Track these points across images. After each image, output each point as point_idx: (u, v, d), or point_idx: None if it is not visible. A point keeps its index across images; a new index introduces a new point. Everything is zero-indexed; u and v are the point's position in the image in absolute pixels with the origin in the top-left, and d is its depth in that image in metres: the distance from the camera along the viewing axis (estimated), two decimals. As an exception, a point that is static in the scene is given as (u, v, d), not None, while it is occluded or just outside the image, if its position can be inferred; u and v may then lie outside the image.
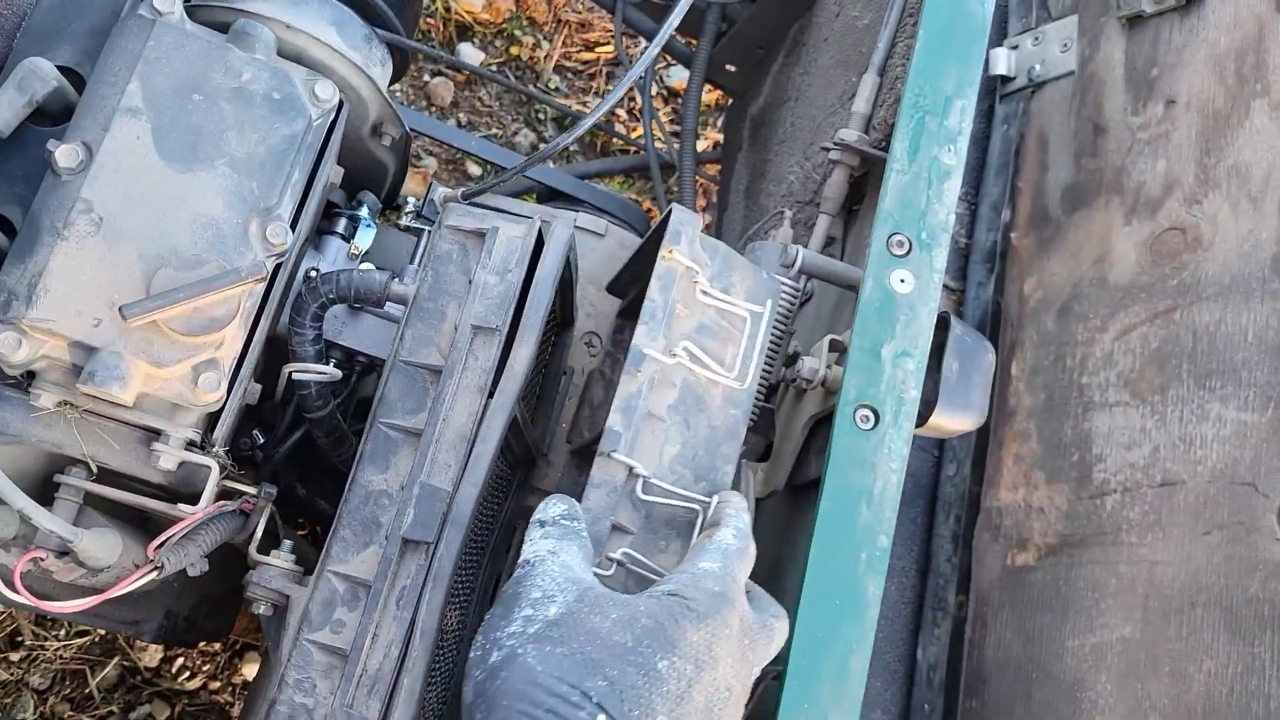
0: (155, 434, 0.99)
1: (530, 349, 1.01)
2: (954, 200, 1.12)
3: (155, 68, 0.99)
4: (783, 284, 1.21)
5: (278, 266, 1.05)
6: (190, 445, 1.01)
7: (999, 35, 1.57)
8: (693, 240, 1.03)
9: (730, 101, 2.03)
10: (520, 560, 0.87)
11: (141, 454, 0.99)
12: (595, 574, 0.89)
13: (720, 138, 2.25)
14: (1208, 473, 1.26)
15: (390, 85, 1.27)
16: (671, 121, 2.42)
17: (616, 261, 1.26)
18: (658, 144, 2.06)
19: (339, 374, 1.08)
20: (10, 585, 0.93)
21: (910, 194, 1.11)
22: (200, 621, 1.33)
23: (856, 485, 1.03)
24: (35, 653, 1.82)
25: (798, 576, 1.12)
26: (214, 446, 1.02)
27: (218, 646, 1.83)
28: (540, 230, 1.05)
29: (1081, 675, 1.33)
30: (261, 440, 1.21)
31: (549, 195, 1.57)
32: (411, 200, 1.29)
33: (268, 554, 1.05)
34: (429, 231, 1.27)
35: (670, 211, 1.02)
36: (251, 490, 1.08)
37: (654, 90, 2.54)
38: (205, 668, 1.87)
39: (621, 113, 2.48)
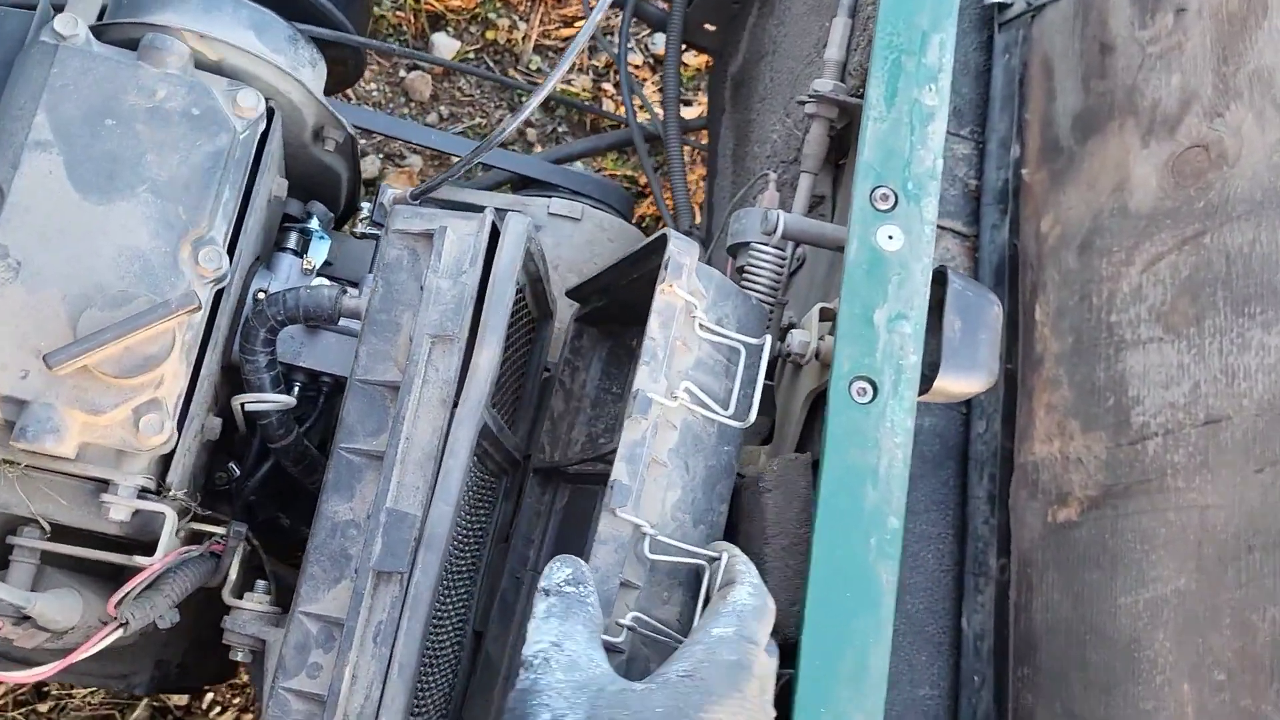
0: (104, 484, 0.93)
1: (493, 352, 0.94)
2: (940, 144, 1.03)
3: (62, 96, 0.93)
4: (765, 252, 1.13)
5: (219, 293, 0.98)
6: (144, 492, 0.95)
7: (988, -40, 1.48)
8: (691, 271, 0.95)
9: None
10: (523, 655, 0.80)
11: (92, 506, 0.94)
12: (605, 641, 0.84)
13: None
14: (1254, 406, 1.17)
15: (350, 85, 1.21)
16: (659, 90, 2.32)
17: (597, 245, 1.18)
18: (643, 116, 1.97)
19: (292, 401, 1.01)
20: (-35, 660, 0.88)
21: (891, 142, 1.02)
22: (194, 667, 1.28)
23: (859, 465, 0.95)
24: (63, 701, 1.80)
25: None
26: (169, 491, 0.96)
27: (248, 678, 1.79)
28: (495, 224, 0.98)
29: (1137, 634, 1.25)
30: (238, 473, 1.15)
31: (523, 183, 1.49)
32: (365, 205, 1.22)
33: (242, 596, 0.99)
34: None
35: (664, 238, 0.95)
36: (219, 530, 1.02)
37: (639, 60, 2.44)
38: (236, 701, 1.83)
39: (609, 87, 2.39)
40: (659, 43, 2.46)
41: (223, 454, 1.15)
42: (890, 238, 0.99)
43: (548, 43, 2.41)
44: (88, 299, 0.90)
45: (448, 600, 1.06)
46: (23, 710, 1.79)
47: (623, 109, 2.25)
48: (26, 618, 0.92)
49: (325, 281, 1.07)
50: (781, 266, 1.12)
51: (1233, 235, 1.20)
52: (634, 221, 1.55)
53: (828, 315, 1.04)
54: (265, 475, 1.09)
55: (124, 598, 0.92)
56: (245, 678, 1.81)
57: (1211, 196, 1.23)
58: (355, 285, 1.01)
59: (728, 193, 1.64)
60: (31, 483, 0.93)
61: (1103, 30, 1.40)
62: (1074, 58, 1.44)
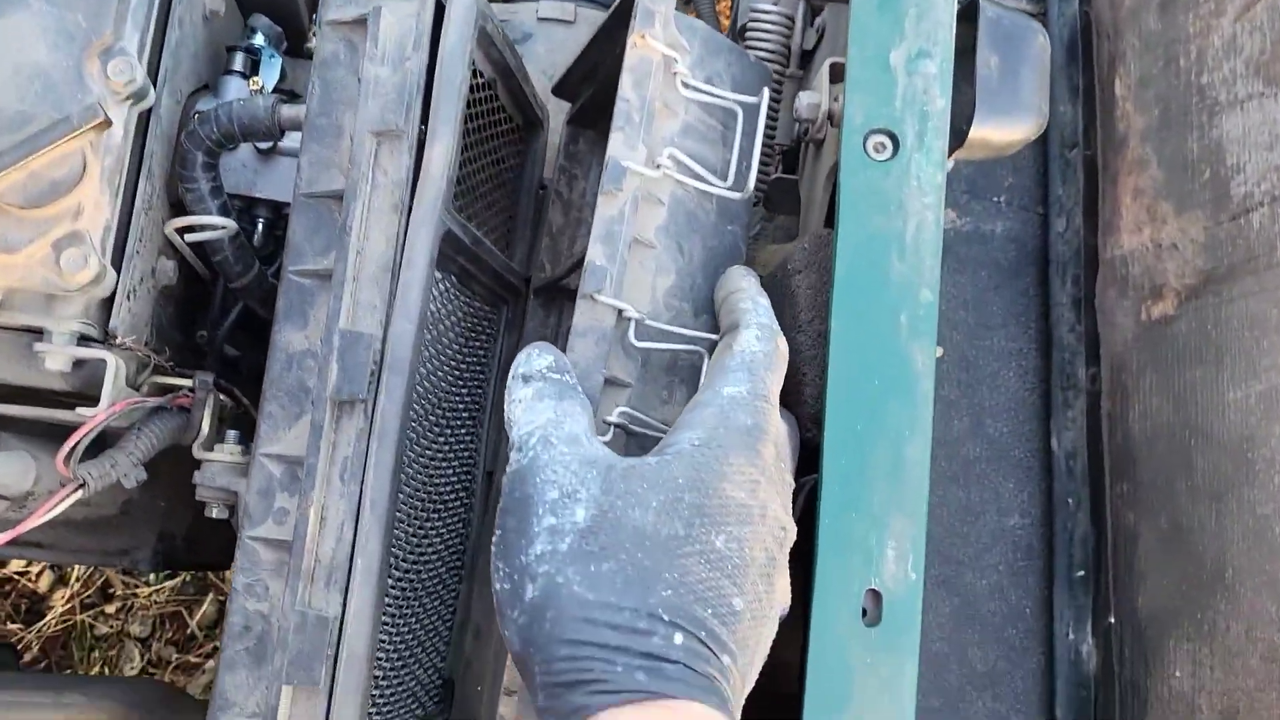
0: (39, 334, 0.85)
1: (446, 145, 0.81)
2: None
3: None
4: (766, 12, 0.97)
5: (147, 117, 0.88)
6: (86, 340, 0.86)
7: None
8: (667, 21, 0.80)
9: None
10: (514, 438, 0.69)
11: (29, 359, 0.85)
12: None
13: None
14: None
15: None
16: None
17: (592, 49, 1.04)
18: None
19: (233, 225, 0.90)
20: (-89, 532, 0.81)
21: None
22: (205, 540, 1.21)
23: (881, 232, 0.80)
24: (129, 601, 1.78)
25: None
26: (115, 338, 0.86)
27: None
28: (439, 1, 0.84)
29: (1250, 431, 1.10)
30: (221, 327, 1.06)
31: (512, -7, 1.34)
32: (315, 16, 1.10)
33: (213, 449, 0.91)
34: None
35: None
36: (186, 382, 0.93)
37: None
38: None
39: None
40: None
41: (205, 311, 1.06)
42: (903, -39, 0.83)
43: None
44: (-15, 125, 0.80)
45: (443, 438, 0.95)
46: (90, 613, 1.78)
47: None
48: (-22, 485, 0.85)
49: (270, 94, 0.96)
50: (787, 27, 0.97)
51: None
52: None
53: (839, 72, 0.89)
54: (238, 321, 0.99)
55: (71, 452, 0.84)
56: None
57: (1310, -93, 1.04)
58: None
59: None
60: (-38, 340, 0.85)
61: None
62: None
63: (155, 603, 1.76)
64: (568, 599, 0.61)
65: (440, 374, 0.93)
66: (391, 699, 0.89)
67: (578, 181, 1.06)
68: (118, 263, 0.86)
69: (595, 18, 1.15)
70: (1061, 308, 1.33)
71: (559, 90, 1.04)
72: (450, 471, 0.97)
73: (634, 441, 0.80)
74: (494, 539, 0.66)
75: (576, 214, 1.06)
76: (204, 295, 1.04)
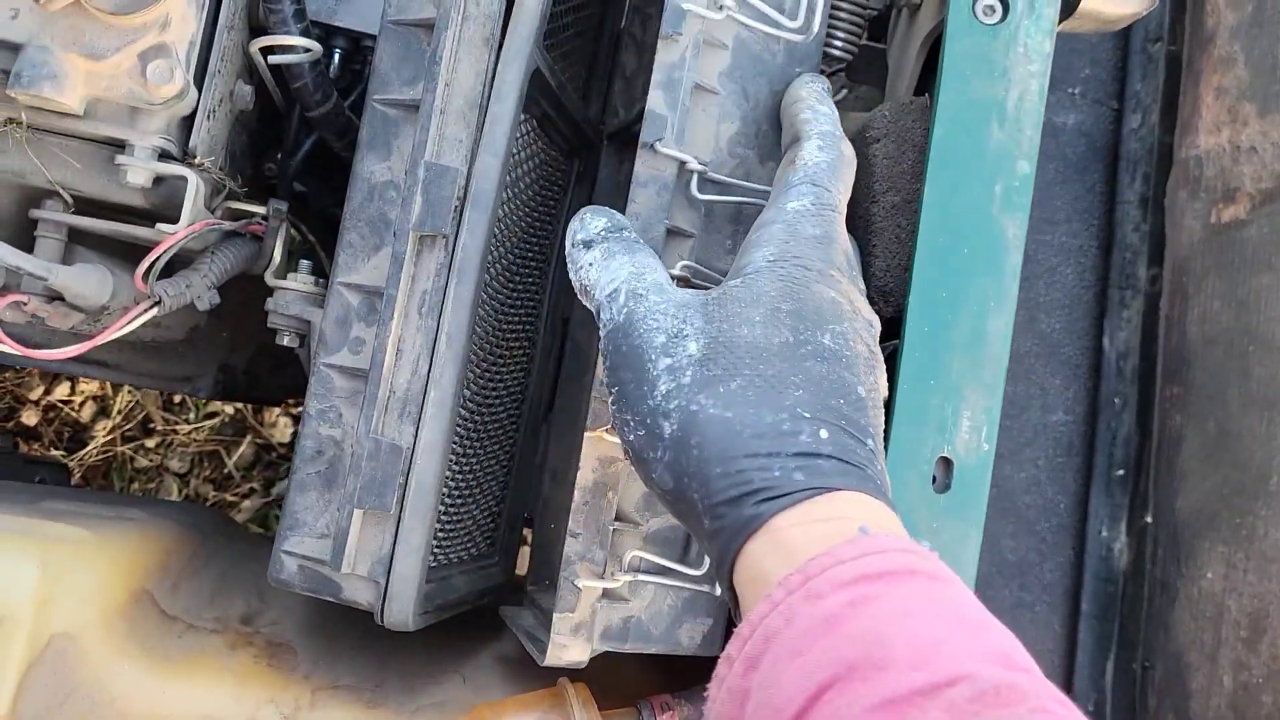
0: (121, 147, 0.84)
1: (543, -22, 0.79)
2: None
3: None
4: None
5: (236, -71, 0.86)
6: (165, 157, 0.85)
7: None
8: None
9: None
10: (597, 298, 0.68)
11: (110, 172, 0.85)
12: None
13: None
14: None
15: None
16: None
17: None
18: None
19: (318, 49, 0.88)
20: (-9, 334, 0.82)
21: None
22: (265, 376, 1.22)
23: (983, 98, 0.78)
24: (169, 437, 1.81)
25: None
26: (194, 157, 0.86)
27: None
28: None
29: None
30: (287, 160, 1.04)
31: None
32: None
33: (286, 277, 0.91)
34: None
35: None
36: (260, 209, 0.93)
37: None
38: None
39: None
40: None
41: (274, 146, 1.05)
42: None
43: None
44: (75, -75, 0.78)
45: (513, 282, 0.95)
46: (131, 445, 1.81)
47: None
48: (58, 297, 0.86)
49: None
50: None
51: None
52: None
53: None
54: (310, 154, 0.98)
55: (150, 268, 0.84)
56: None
57: None
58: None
59: None
60: (44, 147, 0.84)
61: None
62: None
63: (195, 440, 1.79)
64: (707, 423, 0.61)
65: (515, 217, 0.92)
66: (450, 533, 0.90)
67: (651, 22, 1.03)
68: (199, 81, 0.85)
69: None
70: (1128, 206, 1.31)
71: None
72: (516, 317, 0.97)
73: None
74: (612, 398, 0.66)
75: (650, 55, 1.04)
76: (275, 129, 1.03)
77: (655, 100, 0.77)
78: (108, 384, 1.77)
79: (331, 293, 0.83)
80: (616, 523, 0.78)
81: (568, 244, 0.72)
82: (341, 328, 0.83)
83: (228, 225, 0.89)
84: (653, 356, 0.64)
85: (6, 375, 1.76)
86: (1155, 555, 1.25)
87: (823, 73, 1.01)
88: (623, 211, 0.75)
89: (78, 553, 0.82)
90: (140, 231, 0.87)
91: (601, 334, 0.68)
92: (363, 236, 0.83)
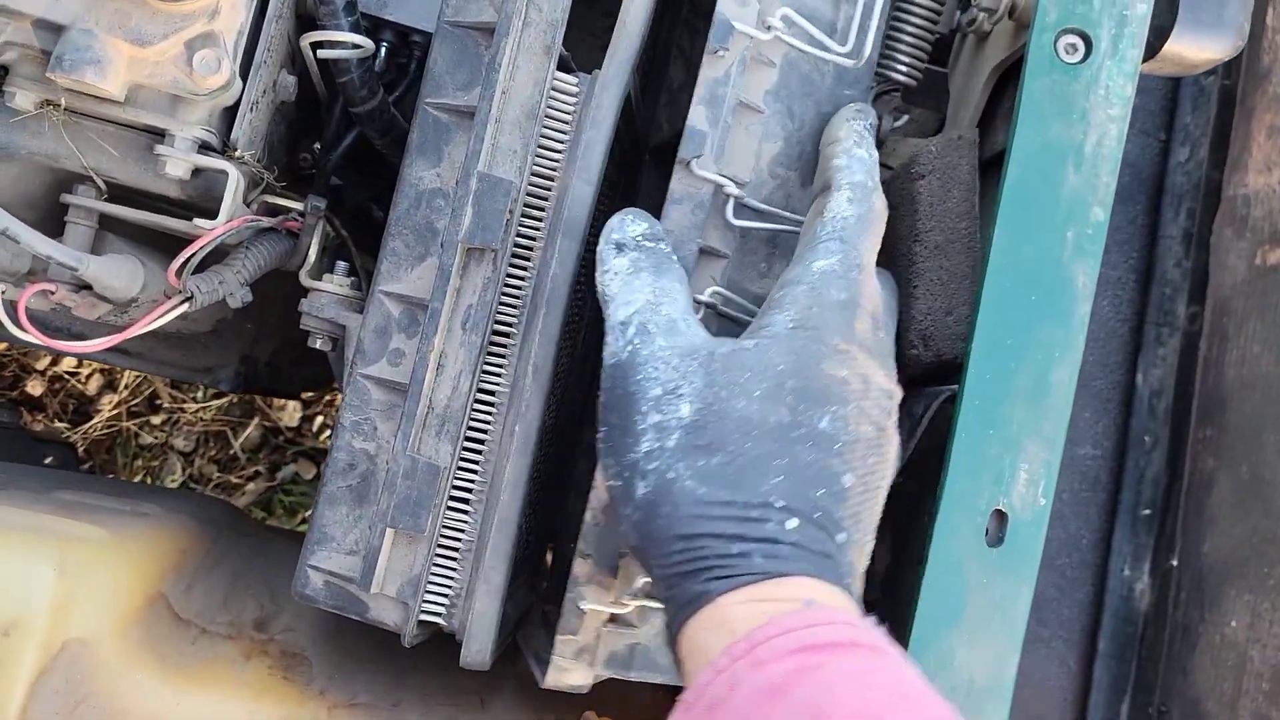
0: (160, 136, 0.81)
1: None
2: None
3: None
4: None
5: (290, -85, 0.82)
6: (205, 148, 0.82)
7: None
8: None
9: None
10: (611, 319, 0.67)
11: (148, 161, 0.81)
12: None
13: None
14: None
15: None
16: None
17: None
18: None
19: (370, 45, 0.85)
20: (16, 321, 0.79)
21: None
22: (286, 369, 1.19)
23: (1060, 140, 0.76)
24: (176, 415, 1.78)
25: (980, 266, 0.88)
26: (235, 151, 0.83)
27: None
28: None
29: None
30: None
31: None
32: None
33: (321, 278, 0.88)
34: None
35: None
36: (297, 205, 0.90)
37: None
38: (347, 425, 1.78)
39: None
40: None
41: (309, 135, 1.01)
42: None
43: None
44: (128, -96, 0.75)
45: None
46: (137, 421, 1.78)
47: None
48: (85, 286, 0.83)
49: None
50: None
51: None
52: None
53: (1030, -39, 0.82)
54: (350, 149, 0.95)
55: (185, 264, 0.81)
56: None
57: None
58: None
59: None
60: (80, 131, 0.81)
61: None
62: None
63: (201, 420, 1.76)
64: (679, 495, 0.61)
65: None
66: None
67: (699, 36, 1.01)
68: (244, 72, 0.82)
69: None
70: (1170, 240, 1.29)
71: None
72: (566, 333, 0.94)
73: (724, 324, 0.77)
74: (599, 434, 0.66)
75: (697, 70, 1.01)
76: (312, 117, 1.00)
77: (696, 116, 0.74)
78: (115, 357, 1.74)
79: (372, 301, 0.80)
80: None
81: (601, 241, 0.70)
82: (381, 338, 0.80)
83: (266, 222, 0.86)
84: (643, 409, 0.63)
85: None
86: (1178, 599, 1.23)
87: (881, 95, 0.99)
88: None
89: (95, 555, 0.79)
90: (174, 223, 0.84)
91: (605, 362, 0.67)
92: (407, 245, 0.80)
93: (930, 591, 0.73)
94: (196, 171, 0.81)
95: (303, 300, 0.87)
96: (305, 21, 0.90)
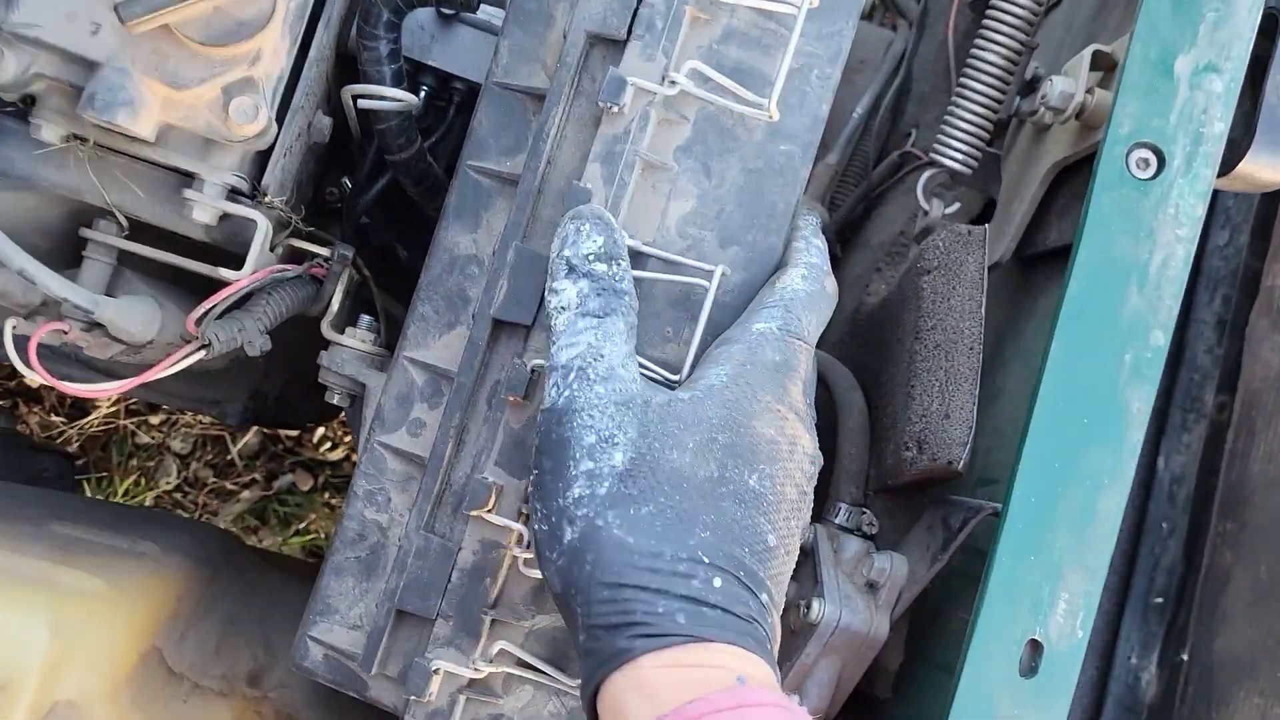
0: (189, 178, 0.78)
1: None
2: None
3: None
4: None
5: (338, -45, 0.79)
6: (235, 194, 0.79)
7: None
8: None
9: None
10: (555, 362, 0.65)
11: (174, 203, 0.78)
12: None
13: None
14: None
15: None
16: None
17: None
18: None
19: (415, 101, 0.82)
20: (26, 360, 0.76)
21: None
22: (296, 402, 1.16)
23: (1125, 258, 0.73)
24: (174, 417, 1.74)
25: (1023, 372, 0.85)
26: (265, 197, 0.80)
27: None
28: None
29: None
30: (352, 188, 0.98)
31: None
32: None
33: (343, 332, 0.85)
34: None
35: None
36: (323, 251, 0.87)
37: None
38: (347, 439, 1.76)
39: None
40: None
41: (336, 168, 0.98)
42: (1213, -42, 0.73)
43: None
44: (173, -60, 0.71)
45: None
46: (134, 420, 1.75)
47: None
48: (97, 324, 0.80)
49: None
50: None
51: None
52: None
53: (1103, 61, 0.80)
54: (381, 193, 0.92)
55: (206, 315, 0.78)
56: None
57: None
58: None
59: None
60: (106, 167, 0.78)
61: None
62: None
63: (200, 422, 1.73)
64: (607, 542, 0.61)
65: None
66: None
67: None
68: (280, 115, 0.79)
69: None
70: (1203, 325, 1.26)
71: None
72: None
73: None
74: (530, 479, 0.65)
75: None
76: (342, 151, 0.97)
77: (590, 173, 0.71)
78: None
79: (396, 366, 0.77)
80: (493, 611, 0.73)
81: (554, 251, 0.68)
82: (402, 406, 0.77)
83: (291, 272, 0.83)
84: (577, 455, 0.63)
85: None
86: (1185, 694, 1.21)
87: (928, 175, 0.96)
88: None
89: (91, 611, 0.77)
90: (197, 266, 0.81)
91: (541, 406, 0.65)
92: (437, 311, 0.77)
93: (959, 717, 0.70)
94: (224, 216, 0.78)
95: (323, 353, 0.84)
96: (346, 60, 0.87)
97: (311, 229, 0.87)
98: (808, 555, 0.79)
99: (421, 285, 0.77)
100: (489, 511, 0.71)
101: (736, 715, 0.55)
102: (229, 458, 1.74)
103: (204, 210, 0.77)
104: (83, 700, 0.74)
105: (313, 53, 0.80)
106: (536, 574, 0.72)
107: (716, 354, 0.68)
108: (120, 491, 1.71)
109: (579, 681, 0.73)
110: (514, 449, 0.73)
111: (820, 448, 0.70)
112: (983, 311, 0.75)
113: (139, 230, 0.82)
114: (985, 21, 0.89)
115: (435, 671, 0.72)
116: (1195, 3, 0.74)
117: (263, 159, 0.80)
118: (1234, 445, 1.22)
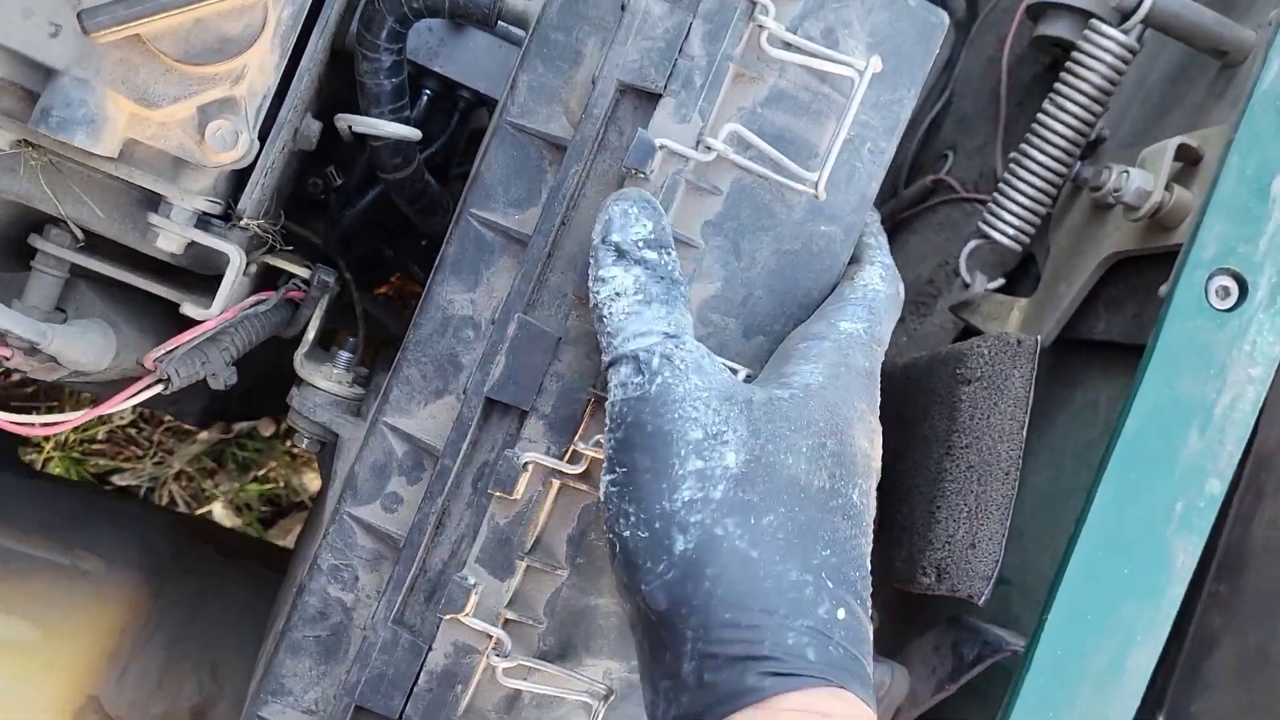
0: (155, 197, 0.69)
1: (705, 124, 0.64)
2: None
3: None
4: (1106, 41, 0.78)
5: (340, -46, 0.69)
6: (206, 217, 0.70)
7: None
8: None
9: None
10: (621, 349, 0.58)
11: (138, 222, 0.69)
12: None
13: None
14: None
15: None
16: None
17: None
18: None
19: (416, 134, 0.73)
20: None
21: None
22: (264, 400, 1.09)
23: (1190, 397, 0.66)
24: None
25: (1048, 468, 0.79)
26: (240, 220, 0.71)
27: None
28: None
29: None
30: (339, 181, 0.89)
31: None
32: None
33: (320, 363, 0.77)
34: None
35: None
36: (302, 273, 0.78)
37: None
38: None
39: None
40: None
41: (322, 161, 0.89)
42: (1332, 66, 0.65)
43: None
44: (149, -65, 0.61)
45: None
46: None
47: None
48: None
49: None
50: (1125, 66, 0.78)
51: None
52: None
53: (1188, 155, 0.71)
54: (369, 205, 0.83)
55: (168, 355, 0.70)
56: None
57: None
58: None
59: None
60: (60, 179, 0.69)
61: None
62: None
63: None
64: (730, 555, 0.54)
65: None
66: None
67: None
68: (265, 131, 0.69)
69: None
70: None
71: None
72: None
73: None
74: (613, 477, 0.57)
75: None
76: (330, 146, 0.87)
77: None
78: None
79: (374, 431, 0.69)
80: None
81: (597, 232, 0.60)
82: (378, 477, 0.70)
83: (264, 306, 0.74)
84: (682, 452, 0.56)
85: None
86: (1158, 758, 1.18)
87: (975, 247, 0.88)
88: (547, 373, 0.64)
89: (25, 666, 0.71)
90: (161, 291, 0.72)
91: (616, 394, 0.58)
92: (424, 375, 0.69)
93: None
94: (190, 244, 0.70)
95: (294, 392, 0.76)
96: (339, 57, 0.78)
97: (290, 248, 0.78)
98: None
99: (408, 344, 0.69)
100: (466, 615, 0.65)
101: None
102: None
103: (169, 239, 0.68)
104: (7, 771, 0.68)
105: (304, 61, 0.71)
106: (512, 684, 0.65)
107: (804, 348, 0.62)
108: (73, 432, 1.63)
109: None
110: (497, 547, 0.66)
111: None
112: (1024, 433, 0.68)
113: (96, 239, 0.73)
114: (1062, 81, 0.80)
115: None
116: (1304, 115, 0.66)
117: (240, 176, 0.71)
118: (1239, 508, 1.17)
